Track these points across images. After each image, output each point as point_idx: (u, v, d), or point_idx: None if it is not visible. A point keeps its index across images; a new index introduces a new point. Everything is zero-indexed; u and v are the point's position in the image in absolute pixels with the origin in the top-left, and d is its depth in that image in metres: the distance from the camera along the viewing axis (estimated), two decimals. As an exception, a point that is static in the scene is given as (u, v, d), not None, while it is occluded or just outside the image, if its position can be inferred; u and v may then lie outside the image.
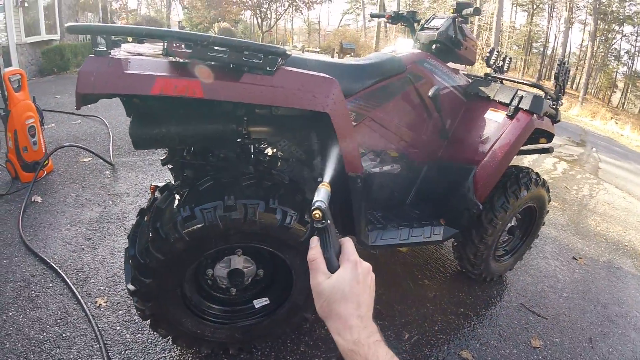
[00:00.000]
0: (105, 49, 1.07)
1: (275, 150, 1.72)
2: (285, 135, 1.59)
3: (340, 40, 19.88)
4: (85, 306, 1.92)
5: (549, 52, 26.63)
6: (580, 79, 19.67)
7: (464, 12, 1.97)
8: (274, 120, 1.45)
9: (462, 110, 2.08)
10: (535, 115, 1.87)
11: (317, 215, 0.60)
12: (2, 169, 3.19)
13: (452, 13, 2.03)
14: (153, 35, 1.10)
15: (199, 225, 1.20)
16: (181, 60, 1.11)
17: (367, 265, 0.60)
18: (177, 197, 1.31)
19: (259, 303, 1.50)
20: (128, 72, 1.03)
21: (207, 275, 1.44)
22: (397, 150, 1.98)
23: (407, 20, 2.32)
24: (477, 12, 1.98)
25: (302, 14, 26.64)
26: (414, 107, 1.94)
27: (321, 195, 0.64)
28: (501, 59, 2.29)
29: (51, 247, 2.36)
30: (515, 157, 1.97)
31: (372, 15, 2.60)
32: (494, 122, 1.95)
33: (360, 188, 1.45)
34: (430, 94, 1.84)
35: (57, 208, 2.79)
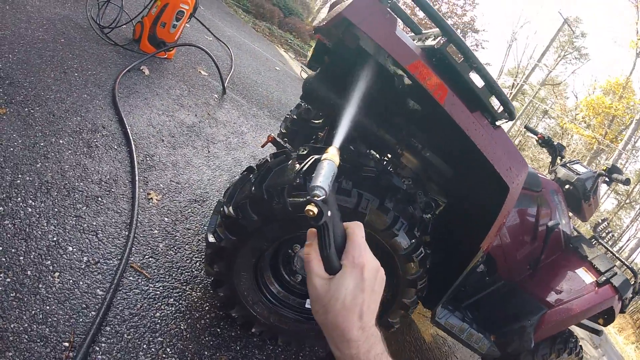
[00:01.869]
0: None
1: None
2: (422, 178, 1.55)
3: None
4: (137, 189, 1.82)
5: (615, 249, 25.77)
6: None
7: (614, 175, 2.09)
8: (424, 161, 1.41)
9: (557, 254, 2.13)
10: (618, 295, 1.90)
11: (311, 213, 0.43)
12: (130, 28, 3.28)
13: (604, 169, 2.15)
14: (434, 16, 1.05)
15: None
16: (435, 62, 1.08)
17: (374, 266, 0.50)
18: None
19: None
20: (399, 35, 1.02)
21: (292, 249, 1.36)
22: (489, 251, 1.94)
23: (553, 150, 2.43)
24: (627, 182, 2.11)
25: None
26: (526, 225, 1.98)
27: (321, 177, 0.45)
28: (606, 231, 2.42)
29: (135, 116, 2.32)
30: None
31: (527, 128, 2.77)
32: (581, 280, 2.00)
33: (479, 266, 1.39)
34: (549, 224, 1.93)
35: (158, 91, 2.78)
